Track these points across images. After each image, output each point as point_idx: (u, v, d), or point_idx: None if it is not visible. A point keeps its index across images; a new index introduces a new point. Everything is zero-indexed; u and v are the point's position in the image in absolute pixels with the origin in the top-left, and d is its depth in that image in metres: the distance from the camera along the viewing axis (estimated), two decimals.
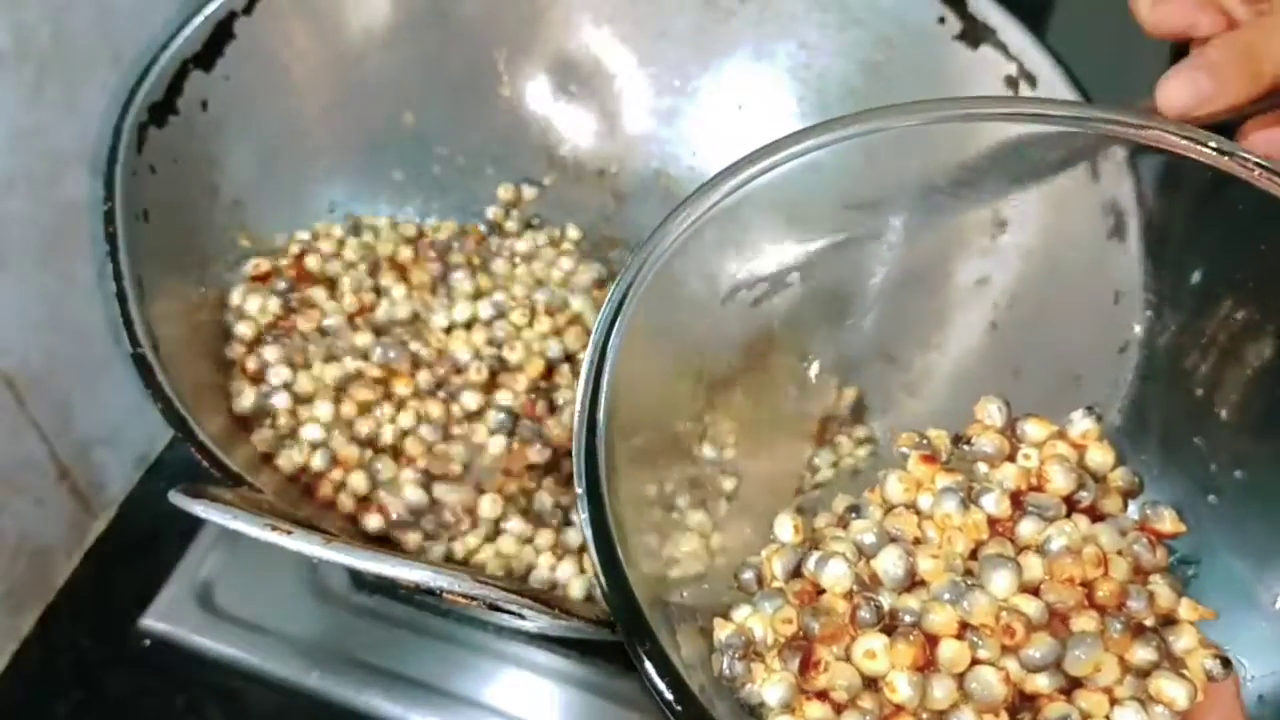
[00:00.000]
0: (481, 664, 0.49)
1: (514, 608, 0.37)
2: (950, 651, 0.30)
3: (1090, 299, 0.39)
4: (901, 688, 0.29)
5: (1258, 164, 0.33)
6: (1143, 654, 0.30)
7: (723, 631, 0.32)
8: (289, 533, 0.36)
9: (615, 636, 0.39)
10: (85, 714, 0.51)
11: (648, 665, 0.27)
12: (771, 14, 0.55)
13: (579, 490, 0.30)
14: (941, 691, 0.29)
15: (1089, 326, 0.38)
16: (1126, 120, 0.35)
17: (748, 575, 0.33)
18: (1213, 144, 0.34)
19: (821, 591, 0.32)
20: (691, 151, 0.58)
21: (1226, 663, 0.31)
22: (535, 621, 0.40)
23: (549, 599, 0.38)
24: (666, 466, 0.35)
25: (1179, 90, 0.35)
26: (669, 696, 0.27)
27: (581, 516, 0.30)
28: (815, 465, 0.40)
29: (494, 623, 0.49)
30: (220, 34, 0.49)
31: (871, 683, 0.30)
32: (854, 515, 0.34)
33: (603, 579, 0.29)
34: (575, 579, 0.46)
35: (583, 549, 0.48)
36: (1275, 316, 0.34)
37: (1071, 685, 0.30)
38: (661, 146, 0.59)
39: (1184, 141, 0.34)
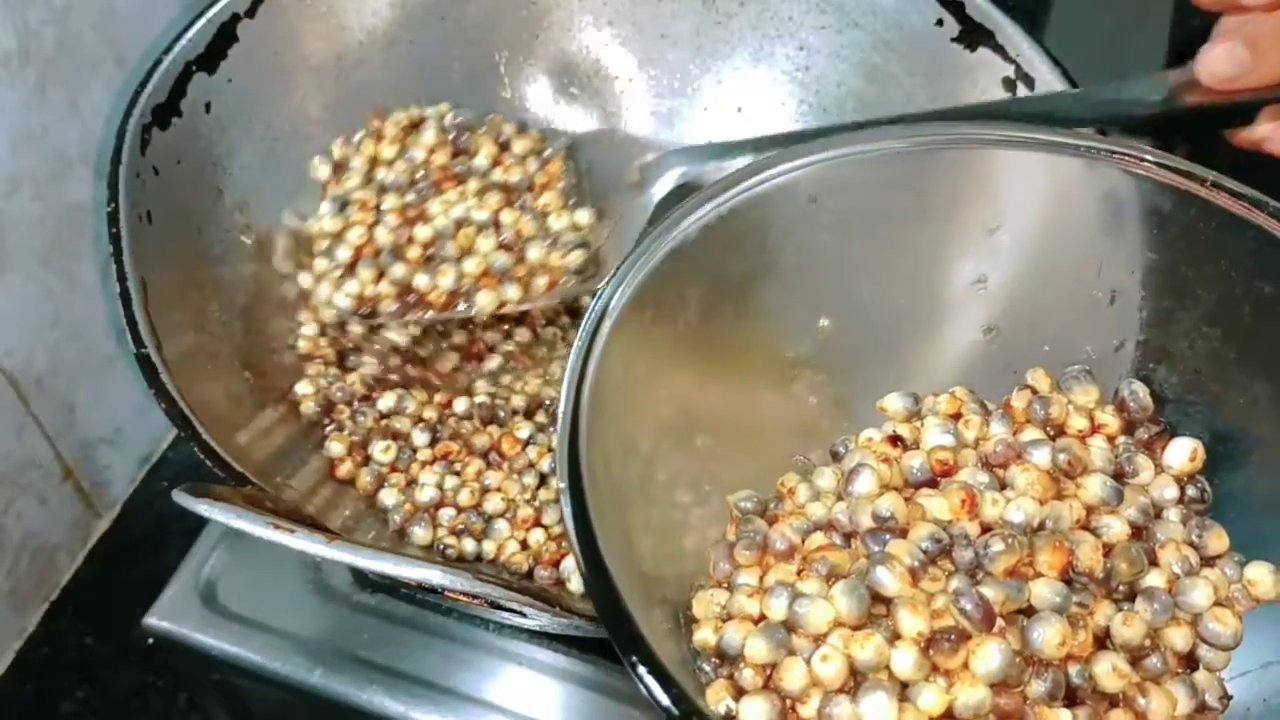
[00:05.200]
0: (483, 661, 0.49)
1: (515, 605, 0.37)
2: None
3: (1087, 299, 0.39)
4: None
5: (1213, 182, 0.34)
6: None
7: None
8: (292, 531, 0.36)
9: None
10: (89, 711, 0.51)
11: (641, 670, 0.27)
12: (770, 16, 0.55)
13: (561, 485, 0.30)
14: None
15: (1086, 326, 0.39)
16: (1075, 143, 0.36)
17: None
18: (1150, 158, 0.35)
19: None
20: None
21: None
22: (536, 619, 0.40)
23: (550, 597, 0.38)
24: (651, 474, 0.36)
25: (1219, 59, 0.35)
26: (666, 703, 0.27)
27: (565, 512, 0.30)
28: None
29: (495, 620, 0.49)
30: (223, 36, 0.50)
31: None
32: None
33: (584, 568, 0.29)
34: (576, 574, 0.47)
35: None
36: (1240, 335, 0.35)
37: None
38: (662, 148, 0.59)
39: (1129, 155, 0.35)
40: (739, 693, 0.31)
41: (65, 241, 0.51)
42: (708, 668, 0.32)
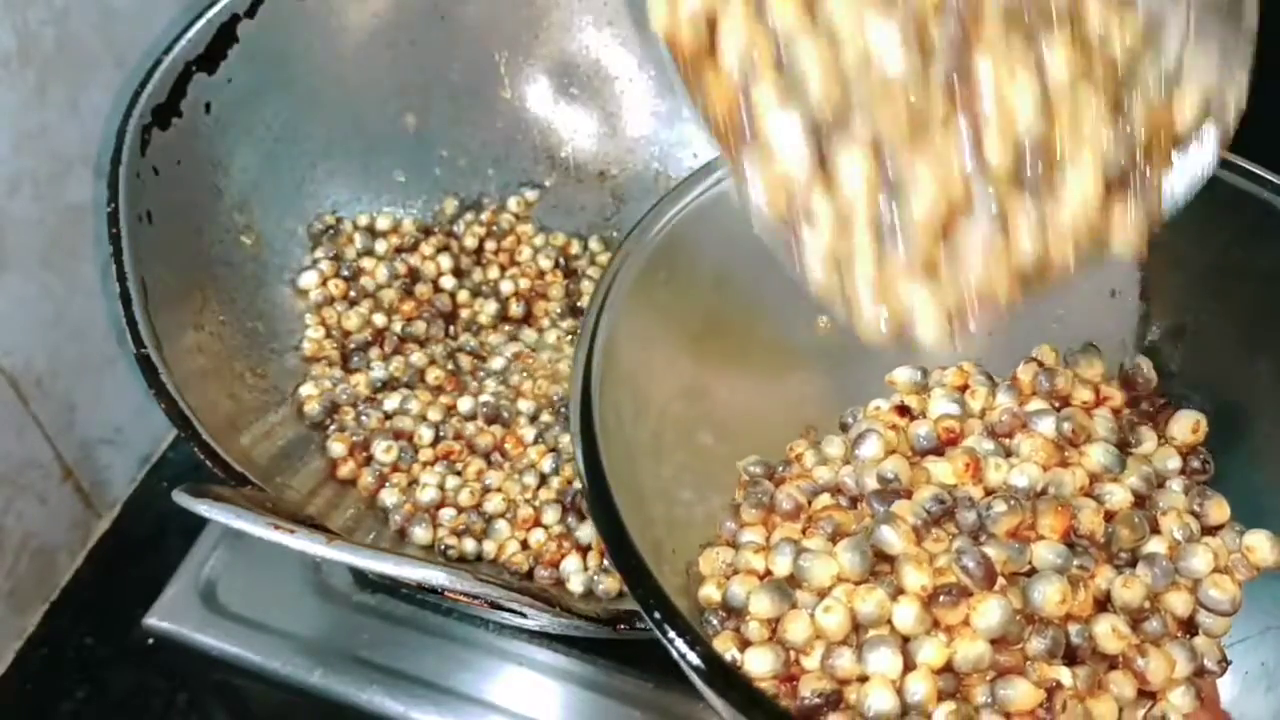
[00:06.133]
0: (483, 661, 0.49)
1: (515, 606, 0.37)
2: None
3: (1087, 296, 0.39)
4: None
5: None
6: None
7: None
8: (292, 532, 0.36)
9: (615, 634, 0.40)
10: (89, 712, 0.51)
11: (671, 631, 0.27)
12: None
13: (574, 430, 0.30)
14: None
15: (1086, 323, 0.39)
16: None
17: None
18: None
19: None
20: (692, 153, 0.59)
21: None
22: (536, 619, 0.40)
23: (550, 597, 0.38)
24: (660, 435, 0.36)
25: None
26: (694, 660, 0.27)
27: (576, 455, 0.30)
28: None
29: (495, 620, 0.49)
30: (223, 37, 0.50)
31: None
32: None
33: (593, 507, 0.29)
34: (576, 574, 0.47)
35: (588, 548, 0.48)
36: (1243, 311, 0.35)
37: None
38: (662, 148, 0.59)
39: None
40: (744, 644, 0.32)
41: (65, 241, 0.51)
42: (715, 621, 0.32)
